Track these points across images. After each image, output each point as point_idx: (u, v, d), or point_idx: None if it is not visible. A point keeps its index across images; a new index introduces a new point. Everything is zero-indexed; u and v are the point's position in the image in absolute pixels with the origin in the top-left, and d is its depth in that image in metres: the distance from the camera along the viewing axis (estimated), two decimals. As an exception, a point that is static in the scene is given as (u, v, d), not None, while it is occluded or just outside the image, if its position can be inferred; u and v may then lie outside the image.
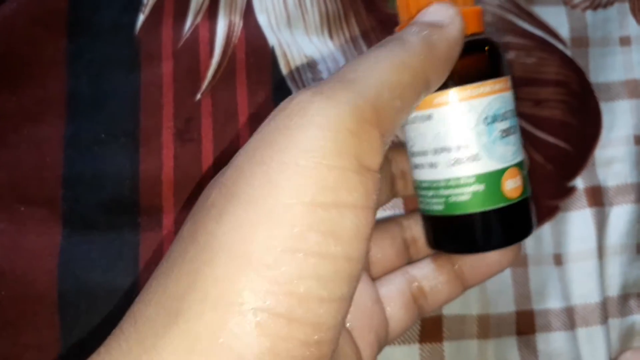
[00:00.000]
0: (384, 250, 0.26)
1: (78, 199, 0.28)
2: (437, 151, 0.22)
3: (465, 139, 0.21)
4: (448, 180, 0.22)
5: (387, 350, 0.28)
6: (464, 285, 0.25)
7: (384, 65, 0.18)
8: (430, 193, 0.23)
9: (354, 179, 0.17)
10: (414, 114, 0.22)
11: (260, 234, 0.16)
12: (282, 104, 0.17)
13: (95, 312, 0.27)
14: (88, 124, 0.29)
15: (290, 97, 0.18)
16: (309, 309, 0.16)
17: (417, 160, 0.23)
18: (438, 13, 0.20)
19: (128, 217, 0.28)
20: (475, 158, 0.21)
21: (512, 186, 0.22)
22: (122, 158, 0.29)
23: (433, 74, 0.19)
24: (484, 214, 0.22)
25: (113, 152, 0.29)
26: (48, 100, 0.29)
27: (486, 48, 0.22)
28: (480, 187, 0.22)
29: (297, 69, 0.30)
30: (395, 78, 0.18)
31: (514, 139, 0.22)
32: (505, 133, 0.22)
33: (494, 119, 0.21)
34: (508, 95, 0.22)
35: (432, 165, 0.22)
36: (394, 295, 0.25)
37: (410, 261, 0.26)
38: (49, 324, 0.27)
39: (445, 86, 0.21)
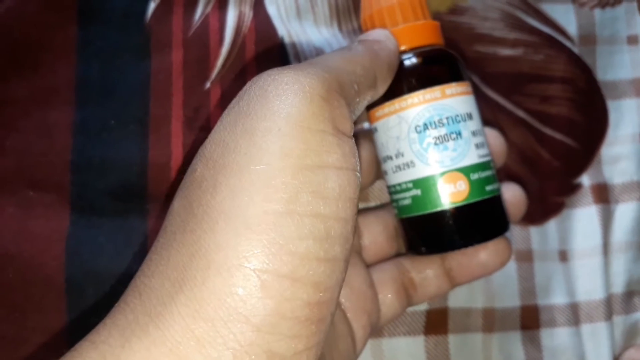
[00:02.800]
0: (376, 237, 0.26)
1: (86, 185, 0.28)
2: (385, 160, 0.24)
3: (400, 148, 0.23)
4: (394, 186, 0.24)
5: (392, 341, 0.28)
6: (452, 282, 0.26)
7: (339, 58, 0.20)
8: (391, 198, 0.25)
9: (332, 141, 0.17)
10: (370, 127, 0.25)
11: (256, 199, 0.16)
12: (252, 80, 0.18)
13: (102, 297, 0.27)
14: (97, 111, 0.29)
15: (258, 75, 0.18)
16: (310, 268, 0.16)
17: (382, 167, 0.25)
18: (375, 34, 0.23)
19: (136, 204, 0.28)
20: (410, 165, 0.23)
21: (451, 190, 0.23)
22: (131, 145, 0.29)
23: (379, 73, 0.22)
24: (424, 217, 0.23)
25: (122, 138, 0.29)
26: (58, 87, 0.29)
27: (413, 62, 0.24)
28: (417, 192, 0.23)
29: (306, 59, 0.30)
30: (350, 68, 0.20)
31: (455, 145, 0.23)
32: (440, 139, 0.23)
33: (426, 127, 0.23)
34: (447, 102, 0.23)
35: (385, 173, 0.24)
36: (386, 282, 0.25)
37: (401, 250, 0.27)
38: (56, 308, 0.27)
39: (381, 101, 0.23)
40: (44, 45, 0.30)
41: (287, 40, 0.31)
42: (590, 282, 0.30)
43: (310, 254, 0.16)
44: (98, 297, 0.27)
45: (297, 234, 0.16)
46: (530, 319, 0.29)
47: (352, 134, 0.19)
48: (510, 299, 0.29)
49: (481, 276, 0.26)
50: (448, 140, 0.23)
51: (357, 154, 0.18)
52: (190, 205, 0.17)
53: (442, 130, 0.23)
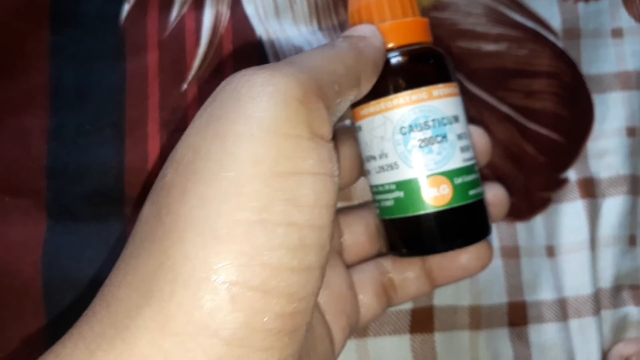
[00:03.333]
0: (357, 237, 0.26)
1: (63, 190, 0.28)
2: (368, 159, 0.24)
3: (384, 148, 0.23)
4: (377, 186, 0.24)
5: (378, 340, 0.28)
6: (432, 284, 0.26)
7: (320, 57, 0.19)
8: (373, 197, 0.24)
9: (308, 146, 0.17)
10: (355, 125, 0.24)
11: (226, 208, 0.15)
12: (226, 80, 0.18)
13: (81, 303, 0.27)
14: (72, 116, 0.29)
15: (232, 74, 0.18)
16: (282, 280, 0.16)
17: (365, 166, 0.25)
18: (361, 29, 0.22)
19: (114, 208, 0.28)
20: (394, 166, 0.23)
21: (434, 194, 0.22)
22: (108, 149, 0.29)
23: (363, 72, 0.21)
24: (406, 220, 0.23)
25: (98, 143, 0.29)
26: (31, 92, 0.29)
27: (399, 60, 0.23)
28: (400, 194, 0.23)
29: (285, 58, 0.30)
30: (332, 67, 0.19)
31: (440, 148, 0.22)
32: (425, 142, 0.22)
33: (411, 128, 0.22)
34: (434, 104, 0.23)
35: (368, 172, 0.24)
36: (366, 283, 0.25)
37: (382, 250, 0.27)
38: (34, 315, 0.27)
39: (366, 99, 0.23)
40: (17, 51, 0.29)
41: (265, 39, 0.30)
42: (577, 277, 0.30)
43: (283, 265, 0.16)
44: (77, 304, 0.27)
45: (268, 244, 0.16)
46: (517, 316, 0.29)
47: (330, 137, 0.18)
48: (497, 295, 0.29)
49: (462, 278, 0.25)
50: (433, 143, 0.22)
51: (335, 159, 0.18)
52: (159, 213, 0.16)
53: (428, 133, 0.22)
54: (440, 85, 0.23)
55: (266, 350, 0.15)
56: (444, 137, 0.22)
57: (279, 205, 0.16)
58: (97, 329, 0.15)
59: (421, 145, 0.22)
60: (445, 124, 0.23)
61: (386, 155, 0.23)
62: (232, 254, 0.15)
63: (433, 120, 0.22)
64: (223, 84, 0.18)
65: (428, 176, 0.22)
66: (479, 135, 0.26)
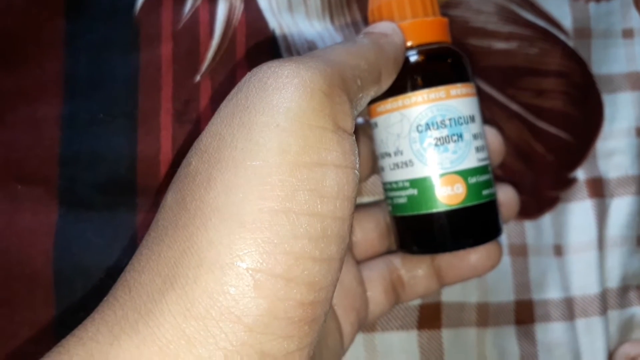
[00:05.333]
0: (368, 233, 0.26)
1: (75, 179, 0.28)
2: (382, 156, 0.24)
3: (400, 146, 0.23)
4: (390, 183, 0.24)
5: (385, 335, 0.28)
6: (440, 282, 0.26)
7: (343, 52, 0.19)
8: (385, 194, 0.25)
9: (332, 138, 0.17)
10: (370, 122, 0.24)
11: (251, 196, 0.16)
12: (251, 72, 0.18)
13: (91, 291, 0.27)
14: (86, 104, 0.29)
15: (258, 66, 0.18)
16: (305, 268, 0.16)
17: (378, 163, 0.25)
18: (382, 26, 0.23)
19: (125, 197, 0.28)
20: (408, 164, 0.23)
21: (448, 193, 0.22)
22: (120, 138, 0.29)
23: (384, 68, 0.21)
24: (419, 218, 0.23)
25: (111, 132, 0.29)
26: (45, 80, 0.29)
27: (419, 59, 0.23)
28: (414, 192, 0.23)
29: (298, 52, 0.30)
30: (355, 62, 0.19)
31: (456, 147, 0.22)
32: (441, 141, 0.22)
33: (427, 127, 0.22)
34: (451, 103, 0.23)
35: (382, 169, 0.24)
36: (375, 279, 0.25)
37: (392, 247, 0.27)
38: (44, 302, 0.27)
39: (383, 96, 0.23)
40: (31, 39, 0.30)
41: (278, 33, 0.30)
42: (585, 277, 0.30)
43: (306, 254, 0.16)
44: (86, 291, 0.27)
45: (292, 233, 0.16)
46: (524, 314, 0.29)
47: (353, 131, 0.18)
48: (504, 293, 0.29)
49: (470, 278, 0.26)
50: (449, 142, 0.22)
51: (357, 152, 0.18)
52: (184, 200, 0.17)
53: (444, 132, 0.22)
54: (459, 85, 0.23)
55: (287, 338, 0.16)
56: (460, 136, 0.23)
57: (303, 195, 0.16)
58: (119, 314, 0.15)
59: (437, 143, 0.22)
60: (461, 124, 0.23)
61: (401, 153, 0.23)
62: (257, 240, 0.15)
63: (450, 119, 0.22)
64: (249, 74, 0.18)
65: (442, 175, 0.22)
66: (493, 135, 0.26)
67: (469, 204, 0.22)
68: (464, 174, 0.22)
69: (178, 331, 0.15)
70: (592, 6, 0.32)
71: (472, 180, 0.22)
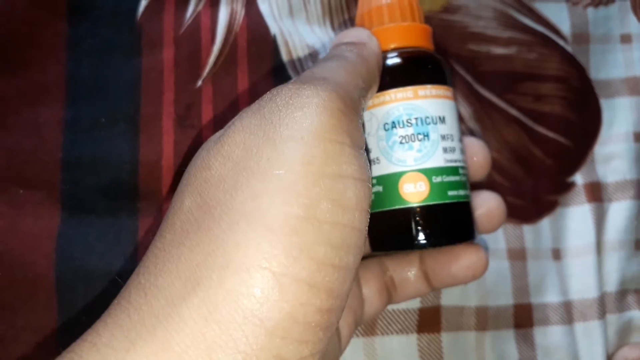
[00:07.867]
0: None
1: (77, 183, 0.28)
2: None
3: (369, 144, 0.23)
4: None
5: (385, 339, 0.28)
6: (430, 286, 0.26)
7: (343, 72, 0.21)
8: None
9: (350, 153, 0.18)
10: None
11: (278, 202, 0.16)
12: (274, 91, 0.19)
13: (93, 296, 0.27)
14: (88, 108, 0.29)
15: (276, 87, 0.19)
16: (326, 275, 0.16)
17: None
18: (359, 34, 0.24)
19: (127, 202, 0.28)
20: (376, 161, 0.23)
21: (411, 190, 0.23)
22: (122, 143, 0.29)
23: (372, 80, 0.23)
24: (383, 214, 0.23)
25: (113, 136, 0.29)
26: (48, 84, 0.29)
27: (390, 61, 0.24)
28: (380, 189, 0.23)
29: (299, 58, 0.30)
30: (355, 82, 0.21)
31: (421, 146, 0.23)
32: (407, 139, 0.23)
33: (394, 125, 0.23)
34: (419, 103, 0.23)
35: None
36: (369, 279, 0.25)
37: None
38: (46, 306, 0.27)
39: None
40: (33, 42, 0.30)
41: (279, 38, 0.30)
42: (583, 281, 0.30)
43: (327, 260, 0.16)
44: (89, 296, 0.27)
45: (316, 240, 0.16)
46: (523, 318, 0.29)
47: (364, 147, 0.19)
48: (503, 297, 0.29)
49: (453, 285, 0.26)
50: (414, 140, 0.23)
51: (369, 167, 0.19)
52: (206, 204, 0.17)
53: (409, 130, 0.23)
54: (428, 86, 0.23)
55: (302, 343, 0.16)
56: (426, 135, 0.23)
57: (326, 204, 0.17)
58: (135, 318, 0.15)
59: (402, 141, 0.23)
60: (428, 123, 0.23)
61: (370, 151, 0.23)
62: (284, 245, 0.16)
63: (416, 118, 0.23)
64: (272, 93, 0.19)
65: (406, 172, 0.23)
66: (479, 147, 0.26)
67: (431, 202, 0.23)
68: (428, 172, 0.23)
69: (198, 336, 0.15)
70: (590, 11, 0.33)
71: (437, 179, 0.23)
